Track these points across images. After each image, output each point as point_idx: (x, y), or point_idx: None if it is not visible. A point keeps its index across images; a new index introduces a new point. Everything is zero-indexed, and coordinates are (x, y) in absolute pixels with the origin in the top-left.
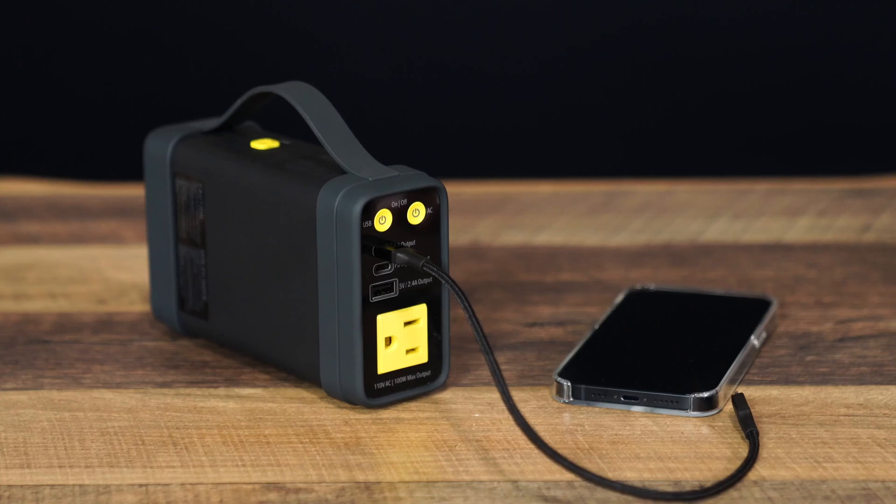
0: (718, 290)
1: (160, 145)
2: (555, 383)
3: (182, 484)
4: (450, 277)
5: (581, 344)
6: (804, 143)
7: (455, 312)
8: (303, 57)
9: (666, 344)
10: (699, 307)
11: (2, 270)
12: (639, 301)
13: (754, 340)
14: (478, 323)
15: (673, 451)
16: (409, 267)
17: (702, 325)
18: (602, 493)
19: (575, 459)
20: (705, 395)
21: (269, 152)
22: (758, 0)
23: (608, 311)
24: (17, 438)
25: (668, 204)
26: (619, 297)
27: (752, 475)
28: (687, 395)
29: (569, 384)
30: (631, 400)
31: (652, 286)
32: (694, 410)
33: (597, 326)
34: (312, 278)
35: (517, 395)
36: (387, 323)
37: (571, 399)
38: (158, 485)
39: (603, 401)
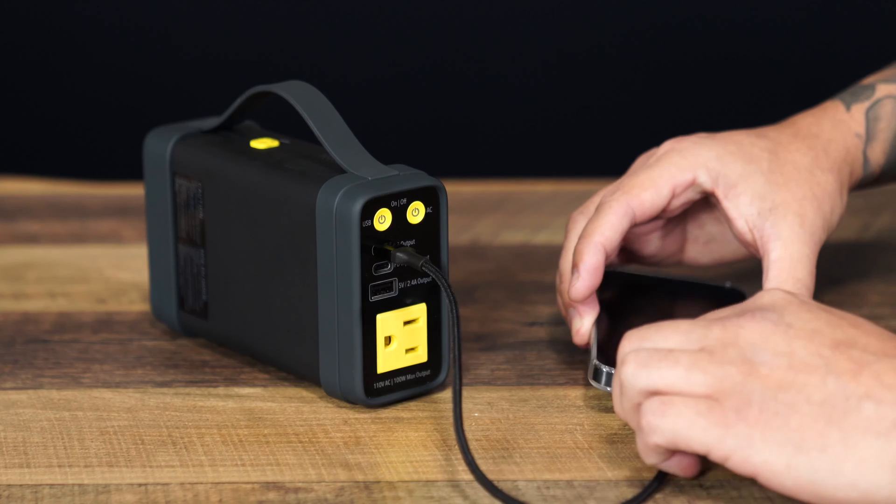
0: (682, 276)
1: (159, 145)
2: (593, 368)
3: (181, 483)
4: (445, 280)
5: (595, 333)
6: None
7: None
8: (303, 57)
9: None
10: (675, 291)
11: (2, 270)
12: (617, 281)
13: None
14: (458, 332)
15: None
16: (408, 266)
17: (691, 308)
18: (601, 492)
19: (574, 459)
20: None
21: (269, 151)
22: (758, 2)
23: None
24: (17, 438)
25: None
26: None
27: None
28: None
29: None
30: None
31: (620, 268)
32: None
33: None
34: (312, 278)
35: (517, 394)
36: (386, 322)
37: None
38: (158, 484)
39: None
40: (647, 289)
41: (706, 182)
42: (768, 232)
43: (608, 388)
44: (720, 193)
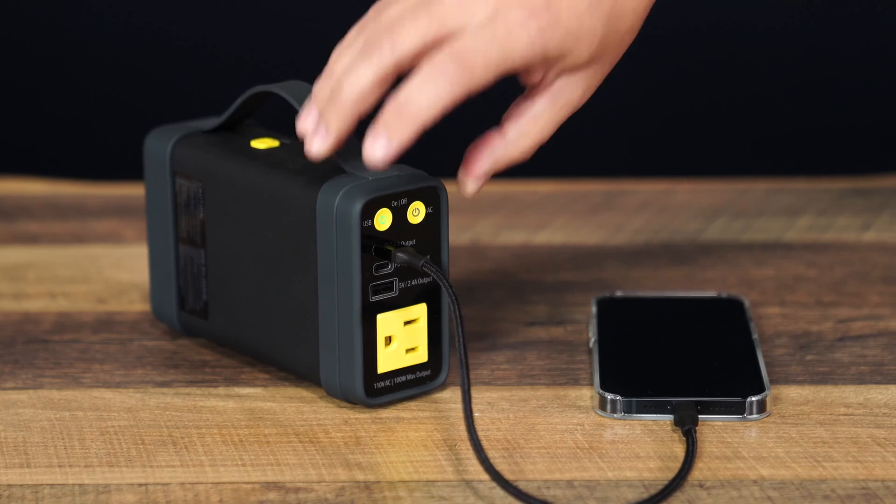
0: (684, 292)
1: (160, 145)
2: (598, 397)
3: (182, 483)
4: (447, 280)
5: (597, 356)
6: (804, 143)
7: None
8: (303, 56)
9: (678, 349)
10: (679, 310)
11: (2, 270)
12: (614, 309)
13: (755, 337)
14: (462, 331)
15: (673, 450)
16: (408, 266)
17: (695, 327)
18: (601, 492)
19: (574, 459)
20: (759, 397)
21: (269, 151)
22: (757, 2)
23: (593, 321)
24: (17, 438)
25: (668, 203)
26: (593, 308)
27: (751, 474)
28: (743, 399)
29: (619, 398)
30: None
31: (618, 293)
32: (755, 413)
33: (594, 338)
34: (312, 278)
35: (517, 394)
36: (387, 322)
37: (623, 414)
38: (158, 484)
39: (654, 412)
40: (645, 311)
41: None
42: None
43: (615, 416)
44: None
